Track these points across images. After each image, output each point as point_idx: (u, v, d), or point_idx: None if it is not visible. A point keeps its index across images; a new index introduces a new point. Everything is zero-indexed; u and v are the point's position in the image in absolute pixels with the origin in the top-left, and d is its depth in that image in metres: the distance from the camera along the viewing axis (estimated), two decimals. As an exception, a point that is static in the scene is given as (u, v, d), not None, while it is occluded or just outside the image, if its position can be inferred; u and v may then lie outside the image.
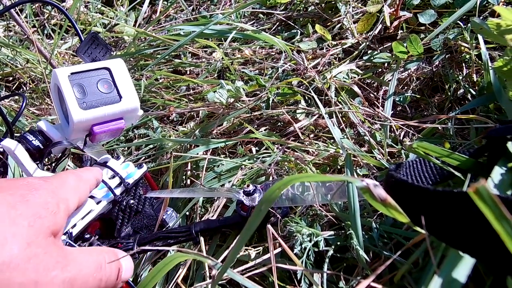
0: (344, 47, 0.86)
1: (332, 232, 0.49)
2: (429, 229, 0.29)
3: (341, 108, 0.71)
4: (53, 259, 0.31)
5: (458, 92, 0.67)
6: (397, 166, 0.41)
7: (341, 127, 0.69)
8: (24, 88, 1.12)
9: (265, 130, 0.76)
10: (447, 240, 0.29)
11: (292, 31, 0.97)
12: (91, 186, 0.46)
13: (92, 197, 0.52)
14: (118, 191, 0.54)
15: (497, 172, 0.33)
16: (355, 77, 0.79)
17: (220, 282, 0.51)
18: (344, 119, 0.72)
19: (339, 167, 0.63)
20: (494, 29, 0.46)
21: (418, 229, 0.29)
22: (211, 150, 0.73)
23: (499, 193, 0.31)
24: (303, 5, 1.03)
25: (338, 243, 0.48)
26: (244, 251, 0.52)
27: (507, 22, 0.41)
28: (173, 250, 0.55)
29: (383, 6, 0.81)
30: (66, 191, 0.38)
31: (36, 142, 0.50)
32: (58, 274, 0.31)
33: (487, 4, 0.74)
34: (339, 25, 0.92)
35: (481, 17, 0.72)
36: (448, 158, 0.37)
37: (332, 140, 0.66)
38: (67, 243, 0.47)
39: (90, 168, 0.50)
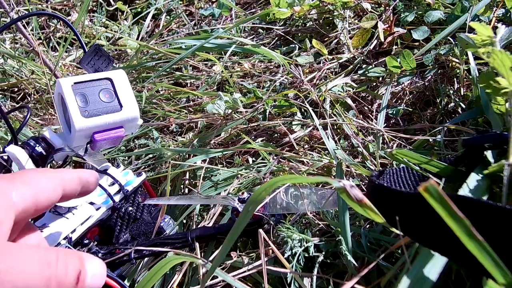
0: (340, 61, 0.89)
1: (322, 238, 0.50)
2: (403, 229, 0.31)
3: (335, 120, 0.73)
4: None
5: (449, 106, 0.69)
6: (380, 173, 0.43)
7: (335, 138, 0.71)
8: (29, 98, 1.14)
9: (261, 140, 0.78)
10: (419, 240, 0.30)
11: (291, 45, 0.99)
12: (68, 184, 0.38)
13: (91, 203, 0.54)
14: (117, 198, 0.55)
15: (473, 179, 0.35)
16: (350, 91, 0.81)
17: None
18: (338, 131, 0.74)
19: (332, 177, 0.64)
20: (478, 44, 0.48)
21: (393, 229, 0.30)
22: (208, 159, 0.75)
23: (473, 197, 0.32)
24: (301, 21, 1.05)
25: (329, 249, 0.49)
26: (238, 257, 0.54)
27: (482, 37, 0.43)
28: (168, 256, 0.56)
29: (377, 23, 0.84)
30: (13, 185, 0.33)
31: (39, 149, 0.51)
32: None
33: (478, 21, 0.76)
34: (335, 40, 0.94)
35: (472, 33, 0.75)
36: (427, 165, 0.39)
37: (326, 151, 0.68)
38: (66, 248, 0.48)
39: (77, 170, 0.43)
